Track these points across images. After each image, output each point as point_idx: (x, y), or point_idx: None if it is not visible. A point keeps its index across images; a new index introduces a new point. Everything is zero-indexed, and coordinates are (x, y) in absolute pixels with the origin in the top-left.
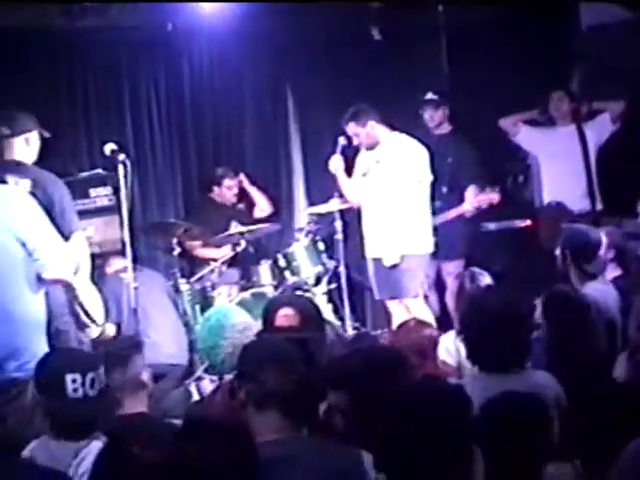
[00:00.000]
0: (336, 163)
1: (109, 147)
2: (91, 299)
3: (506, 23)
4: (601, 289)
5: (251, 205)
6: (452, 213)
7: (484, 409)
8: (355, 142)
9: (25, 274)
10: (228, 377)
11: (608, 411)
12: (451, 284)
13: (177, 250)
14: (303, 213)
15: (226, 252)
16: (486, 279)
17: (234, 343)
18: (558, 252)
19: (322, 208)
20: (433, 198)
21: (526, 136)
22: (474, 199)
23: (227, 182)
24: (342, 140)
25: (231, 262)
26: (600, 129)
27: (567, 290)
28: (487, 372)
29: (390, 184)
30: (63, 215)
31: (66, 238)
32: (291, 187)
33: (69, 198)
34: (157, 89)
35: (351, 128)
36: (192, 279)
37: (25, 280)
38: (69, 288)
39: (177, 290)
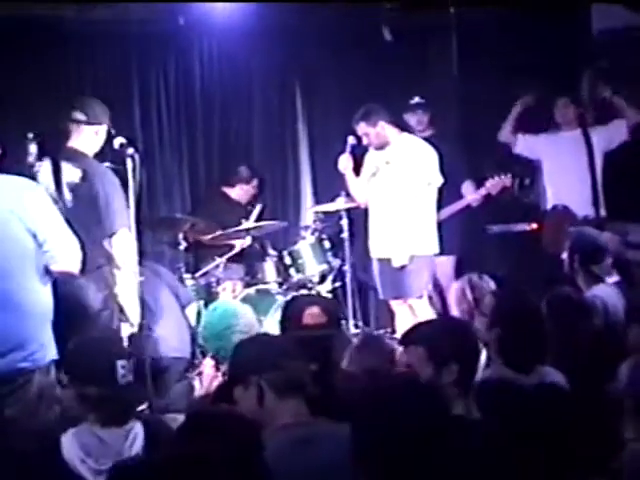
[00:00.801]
0: (345, 162)
1: (118, 141)
2: (129, 298)
3: (517, 26)
4: (608, 292)
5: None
6: (459, 204)
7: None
8: (365, 142)
9: (35, 265)
10: None
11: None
12: (452, 291)
13: (183, 245)
14: (309, 211)
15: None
16: (490, 284)
17: (242, 329)
18: (566, 255)
19: (328, 207)
20: None
21: (527, 145)
22: (488, 186)
23: (247, 186)
24: (351, 140)
25: (236, 258)
26: (611, 135)
27: (569, 292)
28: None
29: (400, 185)
30: (107, 210)
31: (110, 234)
32: (298, 185)
33: (119, 194)
34: (167, 83)
35: (361, 128)
36: (197, 274)
37: (34, 271)
38: (108, 285)
39: (182, 285)
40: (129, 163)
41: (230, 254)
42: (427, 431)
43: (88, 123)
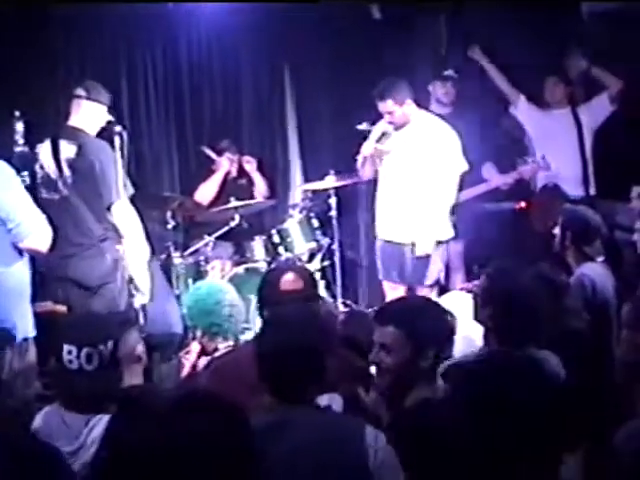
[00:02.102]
0: (370, 149)
1: (104, 119)
2: (138, 268)
3: (506, 6)
4: (597, 270)
5: (251, 184)
6: (487, 186)
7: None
8: (386, 120)
9: (2, 244)
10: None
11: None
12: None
13: (171, 223)
14: (298, 190)
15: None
16: None
17: (233, 305)
18: (558, 232)
19: (317, 185)
20: None
21: (526, 109)
22: (520, 170)
23: (229, 155)
24: (364, 126)
25: (225, 237)
26: (596, 112)
27: (546, 270)
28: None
29: (423, 169)
30: (104, 181)
31: (109, 205)
32: (287, 163)
33: (114, 167)
34: (155, 63)
35: (387, 105)
36: (186, 253)
37: (2, 249)
38: (113, 257)
39: (170, 263)
40: (117, 141)
41: (219, 232)
42: None
43: (88, 99)
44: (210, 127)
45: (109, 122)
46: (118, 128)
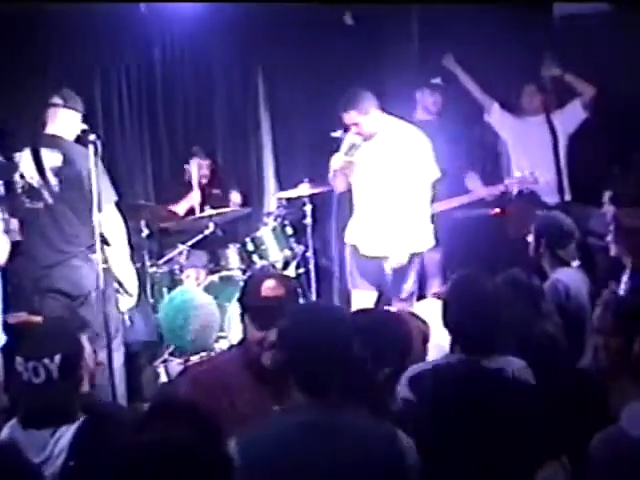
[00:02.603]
0: (339, 162)
1: (80, 127)
2: (124, 271)
3: (478, 10)
4: (572, 275)
5: (224, 192)
6: (472, 197)
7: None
8: (353, 132)
9: None
10: (195, 358)
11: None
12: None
13: (145, 232)
14: (272, 197)
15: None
16: None
17: (202, 321)
18: (531, 238)
19: (292, 193)
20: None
21: (500, 117)
22: (508, 184)
23: (198, 161)
24: (339, 133)
25: (199, 245)
26: (569, 118)
27: (519, 274)
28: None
29: (395, 178)
30: (105, 188)
31: (99, 211)
32: (261, 171)
33: (100, 173)
34: (128, 69)
35: (351, 117)
36: (160, 261)
37: None
38: (103, 261)
39: (145, 272)
40: (91, 149)
41: (193, 241)
42: None
43: (65, 106)
44: (183, 135)
45: (83, 131)
46: (92, 137)
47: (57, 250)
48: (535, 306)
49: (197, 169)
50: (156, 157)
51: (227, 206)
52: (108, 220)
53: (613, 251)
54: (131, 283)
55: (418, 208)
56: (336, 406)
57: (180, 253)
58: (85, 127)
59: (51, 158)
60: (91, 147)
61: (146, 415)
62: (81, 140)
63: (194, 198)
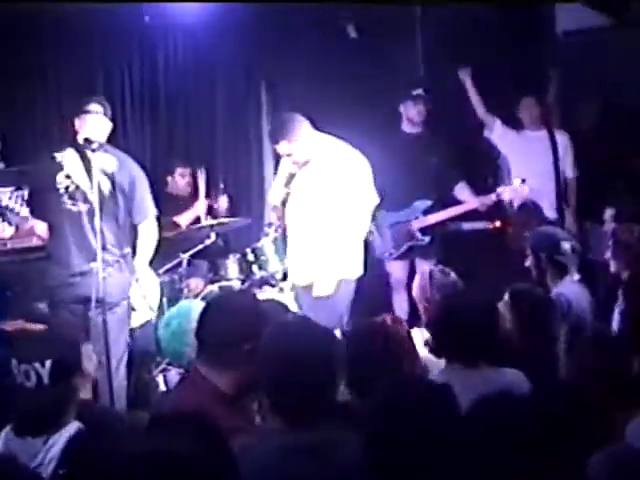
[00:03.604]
0: (280, 195)
1: (82, 136)
2: (150, 285)
3: (482, 23)
4: (573, 288)
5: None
6: (464, 207)
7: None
8: (288, 161)
9: None
10: None
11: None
12: (414, 285)
13: None
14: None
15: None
16: (451, 276)
17: None
18: (530, 258)
19: None
20: (420, 197)
21: (502, 133)
22: (499, 192)
23: (180, 170)
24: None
25: (199, 255)
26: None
27: (532, 287)
28: (460, 366)
29: (328, 202)
30: (143, 200)
31: (139, 221)
32: (262, 182)
33: (147, 183)
34: (131, 79)
35: (283, 147)
36: (160, 271)
37: None
38: (131, 272)
39: None
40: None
41: (193, 251)
42: None
43: (104, 114)
44: (185, 144)
45: (85, 139)
46: (95, 145)
47: (94, 257)
48: (542, 319)
49: (180, 180)
50: (159, 167)
51: (228, 216)
52: (146, 233)
53: (613, 267)
54: (154, 297)
55: (350, 234)
56: (314, 427)
57: (180, 263)
58: (88, 136)
59: (105, 161)
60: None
61: (147, 424)
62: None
63: (199, 208)
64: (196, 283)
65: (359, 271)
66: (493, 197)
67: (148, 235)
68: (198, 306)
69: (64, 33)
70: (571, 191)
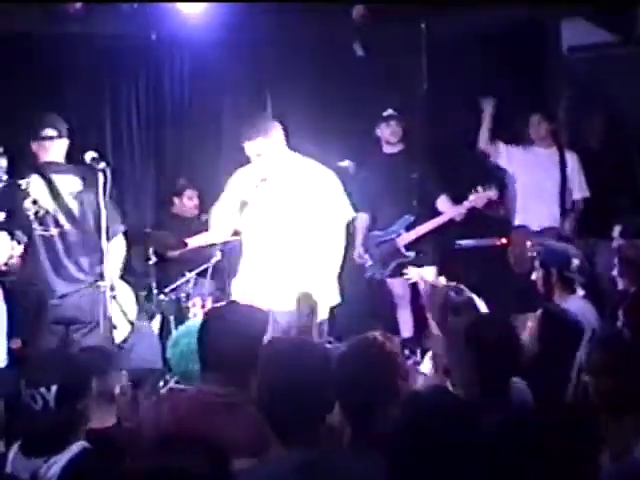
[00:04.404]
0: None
1: (89, 155)
2: (127, 299)
3: (488, 42)
4: (580, 304)
5: None
6: (441, 219)
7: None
8: (255, 162)
9: None
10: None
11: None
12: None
13: (153, 259)
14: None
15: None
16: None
17: None
18: (540, 273)
19: None
20: (404, 214)
21: (507, 154)
22: (472, 199)
23: (188, 192)
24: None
25: (206, 273)
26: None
27: (562, 308)
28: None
29: (297, 219)
30: (114, 216)
31: (109, 238)
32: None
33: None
34: (138, 98)
35: (256, 146)
36: (167, 289)
37: None
38: (112, 288)
39: (152, 299)
40: (100, 177)
41: (200, 269)
42: None
43: (61, 137)
44: (191, 163)
45: (93, 158)
46: (102, 165)
47: (72, 279)
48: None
49: (188, 202)
50: (164, 185)
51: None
52: (117, 249)
53: (620, 284)
54: (132, 312)
55: (329, 256)
56: (312, 448)
57: (187, 281)
58: (95, 155)
59: (69, 183)
60: (101, 175)
61: (154, 444)
62: (91, 168)
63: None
64: (202, 301)
65: (337, 298)
66: (467, 204)
67: (118, 252)
68: None
69: (71, 51)
70: (577, 211)
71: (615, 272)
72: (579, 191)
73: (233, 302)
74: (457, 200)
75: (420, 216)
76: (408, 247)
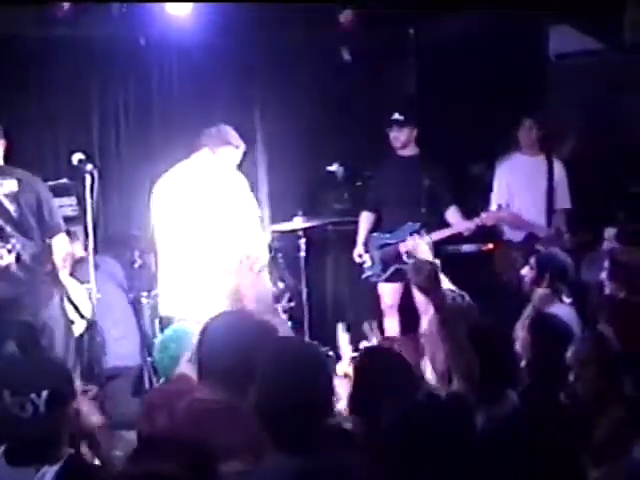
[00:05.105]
0: None
1: (77, 157)
2: (79, 294)
3: (475, 47)
4: (566, 311)
5: None
6: (449, 231)
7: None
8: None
9: None
10: None
11: None
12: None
13: (139, 262)
14: (267, 230)
15: None
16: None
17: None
18: (531, 274)
19: (286, 226)
20: (411, 219)
21: (498, 170)
22: (484, 217)
23: None
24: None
25: None
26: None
27: (551, 314)
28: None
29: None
30: (51, 215)
31: (51, 236)
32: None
33: (52, 199)
34: (126, 101)
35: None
36: (153, 292)
37: None
38: (59, 285)
39: (138, 303)
40: (87, 179)
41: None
42: None
43: None
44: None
45: (80, 160)
46: (89, 167)
47: (17, 281)
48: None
49: None
50: (152, 187)
51: None
52: (60, 246)
53: (608, 289)
54: (85, 307)
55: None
56: (308, 452)
57: None
58: (82, 156)
59: (6, 184)
60: (88, 177)
61: (138, 446)
62: (78, 170)
63: None
64: None
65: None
66: (477, 221)
67: (62, 248)
68: (193, 328)
69: (59, 57)
70: (562, 220)
71: (604, 275)
72: (562, 202)
73: (232, 311)
74: (466, 213)
75: (427, 224)
76: (409, 254)
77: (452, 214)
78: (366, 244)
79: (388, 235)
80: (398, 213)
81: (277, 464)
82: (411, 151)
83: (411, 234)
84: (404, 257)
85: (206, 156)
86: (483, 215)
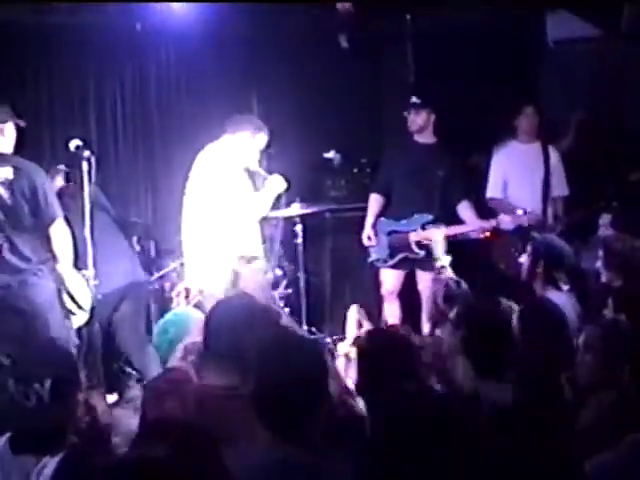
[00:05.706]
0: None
1: (74, 143)
2: (77, 285)
3: (473, 34)
4: (563, 298)
5: None
6: (463, 229)
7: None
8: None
9: None
10: None
11: None
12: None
13: (137, 248)
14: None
15: None
16: (463, 286)
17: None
18: (527, 260)
19: (283, 212)
20: (422, 209)
21: (497, 160)
22: (500, 219)
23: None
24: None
25: None
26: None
27: (546, 299)
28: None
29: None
30: (47, 202)
31: (48, 224)
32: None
33: (49, 185)
34: (123, 88)
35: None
36: (151, 279)
37: None
38: (57, 276)
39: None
40: (85, 166)
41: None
42: None
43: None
44: (177, 152)
45: (77, 147)
46: (87, 153)
47: (12, 269)
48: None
49: None
50: (149, 174)
51: None
52: (58, 235)
53: (604, 277)
54: (84, 298)
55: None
56: (304, 442)
57: (172, 270)
58: (79, 143)
59: (1, 172)
60: (85, 163)
61: (139, 432)
62: (76, 157)
63: None
64: (186, 291)
65: None
66: (493, 223)
67: (60, 237)
68: (194, 313)
69: (56, 43)
70: (558, 208)
71: (599, 264)
72: (559, 189)
73: (242, 294)
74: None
75: (438, 217)
76: (419, 245)
77: (465, 210)
78: (374, 227)
79: (399, 222)
80: (408, 200)
81: (270, 451)
82: (428, 139)
83: (423, 226)
84: (413, 246)
85: (245, 139)
86: (501, 217)
